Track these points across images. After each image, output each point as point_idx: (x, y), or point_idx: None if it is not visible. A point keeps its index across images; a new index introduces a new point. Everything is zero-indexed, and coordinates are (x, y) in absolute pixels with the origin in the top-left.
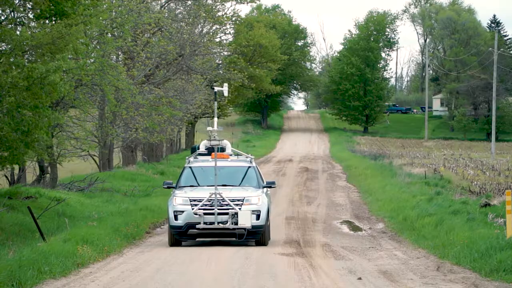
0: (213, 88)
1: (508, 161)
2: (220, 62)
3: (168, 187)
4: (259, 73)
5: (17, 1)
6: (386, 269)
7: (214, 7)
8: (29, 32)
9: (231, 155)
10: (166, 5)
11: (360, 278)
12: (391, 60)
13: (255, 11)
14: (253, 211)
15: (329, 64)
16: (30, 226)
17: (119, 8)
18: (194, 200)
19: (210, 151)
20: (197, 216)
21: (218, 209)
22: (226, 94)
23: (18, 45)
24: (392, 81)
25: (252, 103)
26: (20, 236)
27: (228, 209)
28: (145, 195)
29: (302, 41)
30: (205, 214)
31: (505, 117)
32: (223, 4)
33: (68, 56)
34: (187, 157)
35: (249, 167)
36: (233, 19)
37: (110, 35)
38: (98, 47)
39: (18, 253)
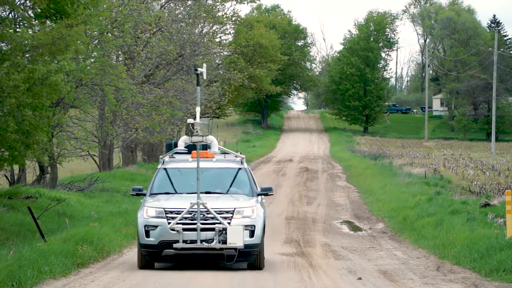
0: (196, 70)
1: (508, 161)
2: (220, 62)
3: (137, 194)
4: (259, 73)
5: (17, 1)
6: (386, 269)
7: (214, 7)
8: (30, 32)
9: (216, 153)
10: (166, 5)
11: (360, 278)
12: (391, 60)
13: (255, 11)
14: (246, 226)
15: (329, 64)
16: (30, 226)
17: (120, 8)
18: (171, 212)
19: (190, 149)
20: (174, 232)
21: (202, 223)
22: (204, 76)
23: (18, 46)
24: (392, 81)
25: (252, 103)
26: (20, 236)
27: (214, 223)
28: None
29: (302, 41)
30: (184, 230)
31: (505, 117)
32: (223, 4)
33: (69, 57)
34: (161, 157)
35: (240, 169)
36: (233, 19)
37: (110, 35)
38: (98, 46)
39: (18, 253)
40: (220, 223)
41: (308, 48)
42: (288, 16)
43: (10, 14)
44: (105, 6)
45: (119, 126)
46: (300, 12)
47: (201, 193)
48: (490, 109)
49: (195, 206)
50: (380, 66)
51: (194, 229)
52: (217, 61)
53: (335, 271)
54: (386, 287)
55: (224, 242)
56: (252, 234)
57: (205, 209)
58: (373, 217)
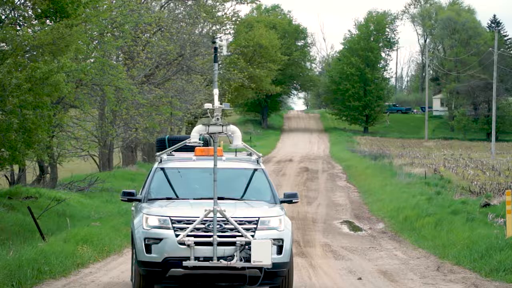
0: (214, 42)
1: (508, 161)
2: (220, 62)
3: (129, 200)
4: (259, 73)
5: (17, 1)
6: (386, 269)
7: (214, 7)
8: (30, 32)
9: (238, 145)
10: (166, 5)
11: (360, 278)
12: (391, 60)
13: (255, 11)
14: (274, 240)
15: (329, 64)
16: (30, 226)
17: (120, 8)
18: (179, 222)
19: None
20: (183, 247)
21: (219, 236)
22: (225, 51)
23: (19, 45)
24: (392, 81)
25: (252, 103)
26: (20, 236)
27: (234, 236)
28: None
29: (302, 41)
30: (197, 244)
31: (505, 117)
32: (223, 5)
33: (70, 57)
34: (157, 154)
35: (255, 170)
36: (233, 19)
37: (110, 35)
38: (98, 47)
39: (18, 253)
40: (242, 235)
41: (308, 48)
42: (288, 16)
43: (10, 14)
44: (105, 6)
45: (119, 126)
46: (300, 12)
47: (211, 199)
48: (490, 109)
49: (211, 215)
50: (380, 66)
51: (209, 243)
52: None
53: (335, 271)
54: (386, 287)
55: (247, 259)
56: (280, 250)
57: (223, 219)
58: (373, 217)
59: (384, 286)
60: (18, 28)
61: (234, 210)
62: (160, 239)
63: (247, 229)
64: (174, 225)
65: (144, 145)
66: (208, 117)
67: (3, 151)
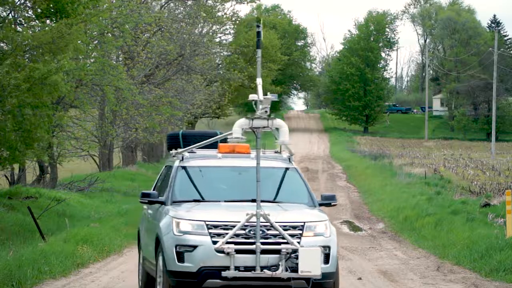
0: (259, 26)
1: (508, 161)
2: (220, 62)
3: (150, 202)
4: None
5: (17, 1)
6: (386, 269)
7: (214, 7)
8: (30, 32)
9: (285, 142)
10: (166, 5)
11: (360, 278)
12: (391, 60)
13: (255, 11)
14: (322, 247)
15: (329, 64)
16: (30, 226)
17: (120, 8)
18: (216, 227)
19: (196, 140)
20: (222, 255)
21: (262, 243)
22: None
23: (19, 45)
24: (392, 81)
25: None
26: (20, 236)
27: (279, 243)
28: None
29: (302, 41)
30: (238, 252)
31: (505, 117)
32: (223, 4)
33: (69, 57)
34: (172, 152)
35: (287, 169)
36: (233, 19)
37: (110, 35)
38: (98, 47)
39: (18, 253)
40: (287, 243)
41: (308, 48)
42: (288, 16)
43: (10, 14)
44: (105, 6)
45: (119, 126)
46: (300, 12)
47: (243, 201)
48: (490, 109)
49: (253, 219)
50: (380, 66)
51: (250, 251)
52: (217, 61)
53: None
54: (386, 287)
55: (294, 269)
56: (327, 259)
57: (266, 224)
58: (373, 217)
59: (384, 286)
60: (18, 28)
61: (276, 214)
62: (195, 246)
63: (292, 235)
64: (210, 230)
65: (144, 145)
66: (208, 117)
67: (3, 150)
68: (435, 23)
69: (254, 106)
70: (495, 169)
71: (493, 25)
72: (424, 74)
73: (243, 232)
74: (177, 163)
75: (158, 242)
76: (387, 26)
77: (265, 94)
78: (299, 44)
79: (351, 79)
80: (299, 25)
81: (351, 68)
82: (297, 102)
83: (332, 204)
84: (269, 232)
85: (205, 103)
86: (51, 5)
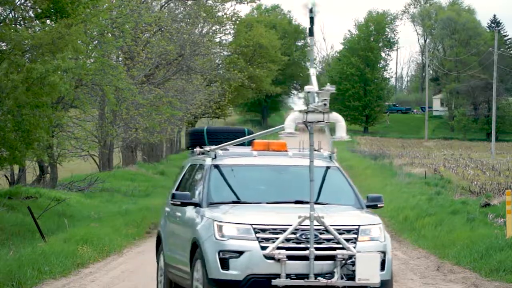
0: (311, 12)
1: (508, 161)
2: (220, 62)
3: (183, 204)
4: (259, 73)
5: (17, 1)
6: None
7: (214, 7)
8: (30, 31)
9: (337, 138)
10: (166, 5)
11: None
12: (391, 60)
13: (255, 11)
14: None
15: (329, 64)
16: (30, 226)
17: (120, 8)
18: (264, 231)
19: (214, 138)
20: (271, 262)
21: (315, 248)
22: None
23: (17, 45)
24: (392, 81)
25: (252, 103)
26: (20, 236)
27: (333, 248)
28: (145, 195)
29: (302, 41)
30: (289, 258)
31: (505, 117)
32: (223, 5)
33: (68, 56)
34: (197, 150)
35: (328, 168)
36: (233, 19)
37: (110, 35)
38: (99, 47)
39: (18, 253)
40: (343, 248)
41: (308, 48)
42: (288, 16)
43: (10, 14)
44: (105, 6)
45: (119, 126)
46: (300, 12)
47: (286, 203)
48: (490, 109)
49: (306, 222)
50: (380, 66)
51: (303, 257)
52: (217, 61)
53: None
54: None
55: (350, 277)
56: (382, 265)
57: (319, 227)
58: None
59: None
60: (18, 27)
61: (329, 217)
62: (241, 252)
63: (346, 240)
64: (258, 235)
65: (144, 145)
66: (208, 117)
67: (3, 151)
68: (435, 23)
69: (308, 98)
70: (495, 169)
71: (493, 25)
72: (424, 74)
73: (293, 236)
74: (208, 161)
75: (194, 247)
76: (387, 26)
77: (266, 95)
78: (299, 44)
79: (351, 79)
80: (299, 25)
81: (351, 68)
82: (297, 102)
83: (378, 206)
84: (322, 236)
85: (205, 103)
86: (51, 5)
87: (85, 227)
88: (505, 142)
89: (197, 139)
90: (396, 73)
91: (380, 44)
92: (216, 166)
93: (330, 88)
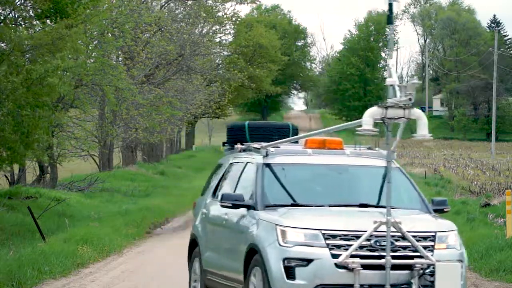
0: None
1: (508, 161)
2: (220, 62)
3: (235, 206)
4: (259, 73)
5: (17, 1)
6: None
7: (214, 7)
8: (31, 32)
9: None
10: (166, 5)
11: None
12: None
13: (255, 11)
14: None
15: (329, 64)
16: (30, 226)
17: (120, 8)
18: (335, 236)
19: (254, 133)
20: (343, 271)
21: (391, 256)
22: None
23: (17, 46)
24: None
25: (252, 103)
26: (20, 236)
27: (410, 257)
28: (145, 195)
29: (302, 41)
30: (364, 267)
31: (505, 117)
32: (223, 5)
33: (67, 56)
34: (238, 147)
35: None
36: (233, 19)
37: (110, 35)
38: (99, 47)
39: (18, 253)
40: (420, 256)
41: (308, 48)
42: (288, 16)
43: (10, 14)
44: (105, 6)
45: (119, 126)
46: (300, 12)
47: (350, 206)
48: (490, 109)
49: (381, 228)
50: (380, 66)
51: (377, 267)
52: (217, 61)
53: None
54: None
55: None
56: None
57: (394, 234)
58: None
59: None
60: (19, 28)
61: (405, 222)
62: (309, 260)
63: (423, 248)
64: (328, 241)
65: (144, 145)
66: (208, 117)
67: (2, 151)
68: (435, 23)
69: (393, 91)
70: (495, 169)
71: (493, 25)
72: (424, 74)
73: (367, 243)
74: (259, 159)
75: (251, 254)
76: (387, 26)
77: (266, 95)
78: (299, 44)
79: (351, 79)
80: (299, 25)
81: (351, 68)
82: (297, 102)
83: (444, 210)
84: (397, 243)
85: (205, 103)
86: (52, 6)
87: (85, 227)
88: (505, 142)
89: (237, 135)
90: (396, 73)
91: (380, 44)
92: (268, 165)
93: (415, 81)
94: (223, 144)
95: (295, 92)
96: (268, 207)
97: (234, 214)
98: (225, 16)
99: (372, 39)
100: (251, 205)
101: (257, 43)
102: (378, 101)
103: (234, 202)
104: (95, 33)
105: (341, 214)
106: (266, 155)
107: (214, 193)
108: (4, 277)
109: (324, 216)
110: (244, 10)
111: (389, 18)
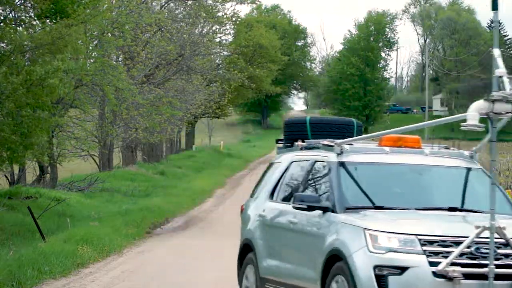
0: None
1: (508, 161)
2: (220, 62)
3: (311, 208)
4: (259, 73)
5: (17, 1)
6: None
7: (214, 7)
8: (31, 31)
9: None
10: (166, 5)
11: None
12: (391, 60)
13: (255, 11)
14: None
15: (329, 64)
16: (30, 226)
17: (120, 8)
18: (432, 243)
19: (296, 129)
20: (442, 280)
21: (496, 264)
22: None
23: (17, 46)
24: (392, 81)
25: (252, 103)
26: (20, 236)
27: None
28: (145, 195)
29: (302, 41)
30: (466, 276)
31: None
32: (223, 5)
33: (67, 57)
34: (299, 144)
35: (470, 169)
36: (233, 19)
37: (110, 35)
38: (99, 47)
39: (18, 253)
40: None
41: (308, 48)
42: (288, 16)
43: (10, 14)
44: (105, 6)
45: (119, 126)
46: (300, 12)
47: (439, 209)
48: None
49: (485, 234)
50: (380, 66)
51: (479, 276)
52: (217, 61)
53: None
54: None
55: None
56: None
57: (497, 240)
58: None
59: None
60: (19, 28)
61: (508, 228)
62: (404, 268)
63: None
64: (425, 247)
65: (144, 145)
66: (208, 117)
67: (2, 151)
68: (435, 23)
69: (501, 83)
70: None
71: (493, 25)
72: (424, 74)
73: (467, 250)
74: (332, 157)
75: (332, 261)
76: (387, 26)
77: (266, 95)
78: (299, 44)
79: (351, 79)
80: (299, 25)
81: (351, 68)
82: (297, 102)
83: None
84: (499, 251)
85: (205, 103)
86: (52, 6)
87: (85, 227)
88: (505, 142)
89: (297, 131)
90: (396, 73)
91: (380, 44)
92: (343, 164)
93: None
94: (277, 141)
95: (295, 92)
96: (348, 209)
97: (305, 217)
98: (225, 16)
99: (372, 39)
100: (328, 207)
101: (257, 43)
102: (378, 101)
103: (310, 204)
104: (95, 33)
105: (434, 218)
106: (341, 153)
107: (272, 195)
108: (4, 277)
109: (418, 220)
110: (244, 10)
111: (494, 2)
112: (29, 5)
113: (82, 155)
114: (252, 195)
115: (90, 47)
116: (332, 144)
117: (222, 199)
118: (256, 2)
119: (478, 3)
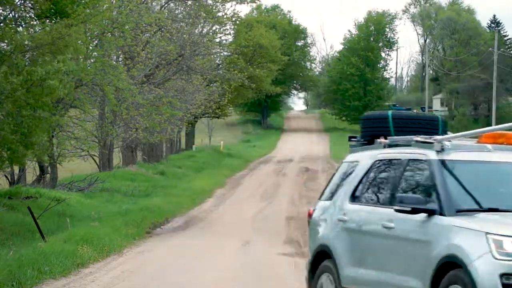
0: None
1: None
2: (220, 62)
3: (416, 211)
4: (259, 73)
5: (17, 1)
6: None
7: (214, 7)
8: (31, 31)
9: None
10: (166, 5)
11: None
12: (391, 60)
13: (255, 11)
14: None
15: (329, 64)
16: (30, 226)
17: (120, 8)
18: None
19: (375, 125)
20: None
21: None
22: None
23: (18, 46)
24: (392, 81)
25: (252, 103)
26: (20, 236)
27: None
28: (145, 195)
29: (302, 41)
30: None
31: (505, 117)
32: (223, 5)
33: (68, 58)
34: (382, 141)
35: None
36: (233, 19)
37: (110, 35)
38: (99, 47)
39: (18, 253)
40: None
41: (308, 48)
42: (288, 16)
43: (10, 14)
44: (105, 6)
45: (119, 126)
46: (300, 12)
47: None
48: (490, 109)
49: None
50: (380, 66)
51: None
52: (217, 61)
53: None
54: None
55: None
56: None
57: None
58: None
59: None
60: (20, 28)
61: None
62: None
63: None
64: None
65: (144, 145)
66: (208, 117)
67: (2, 151)
68: (435, 23)
69: None
70: None
71: (493, 25)
72: (424, 74)
73: None
74: (432, 155)
75: (444, 269)
76: (387, 26)
77: (266, 95)
78: (299, 44)
79: (351, 79)
80: (299, 25)
81: (351, 68)
82: (297, 102)
83: None
84: None
85: (205, 103)
86: (52, 6)
87: (85, 227)
88: None
89: (378, 127)
90: (396, 73)
91: (380, 44)
92: (444, 162)
93: None
94: (350, 138)
95: (295, 92)
96: (459, 212)
97: (405, 221)
98: (225, 16)
99: (372, 39)
100: (435, 209)
101: (257, 43)
102: (378, 101)
103: (414, 206)
104: (95, 33)
105: None
106: (442, 150)
107: (353, 196)
108: (4, 277)
109: None
110: (244, 10)
111: None
112: (29, 5)
113: (82, 155)
114: (321, 197)
115: (90, 47)
116: (431, 141)
117: (222, 199)
118: (256, 1)
119: (478, 3)
